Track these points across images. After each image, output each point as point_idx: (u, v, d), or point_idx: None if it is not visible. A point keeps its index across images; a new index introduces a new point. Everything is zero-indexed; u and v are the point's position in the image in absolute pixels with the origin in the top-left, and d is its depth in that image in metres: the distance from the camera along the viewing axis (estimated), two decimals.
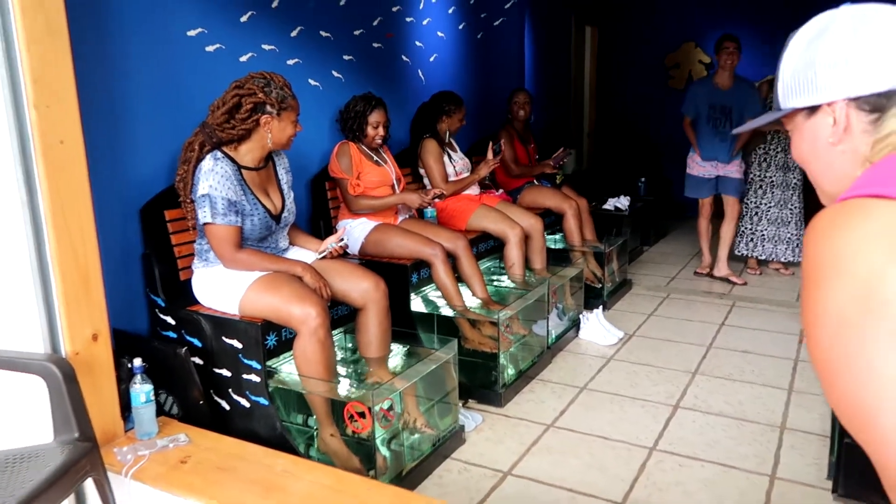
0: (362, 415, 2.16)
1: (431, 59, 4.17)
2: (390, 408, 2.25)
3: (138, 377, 2.09)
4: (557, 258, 4.13)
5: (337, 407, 2.28)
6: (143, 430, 2.12)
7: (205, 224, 2.24)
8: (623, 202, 5.44)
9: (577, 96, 7.14)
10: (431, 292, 3.28)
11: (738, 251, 4.96)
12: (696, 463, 2.45)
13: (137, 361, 2.09)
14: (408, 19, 3.90)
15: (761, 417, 2.78)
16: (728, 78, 4.50)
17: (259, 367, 2.26)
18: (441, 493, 2.30)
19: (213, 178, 2.20)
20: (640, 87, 7.56)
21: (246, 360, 2.28)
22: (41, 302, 1.92)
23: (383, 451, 2.32)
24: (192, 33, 2.59)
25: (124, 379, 2.18)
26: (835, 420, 2.60)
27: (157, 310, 2.46)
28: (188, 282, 2.48)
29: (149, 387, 2.11)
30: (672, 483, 2.33)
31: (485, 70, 4.77)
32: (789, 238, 4.83)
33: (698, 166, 4.70)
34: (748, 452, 2.51)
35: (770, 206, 4.80)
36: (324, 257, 2.51)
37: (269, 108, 2.25)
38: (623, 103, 7.62)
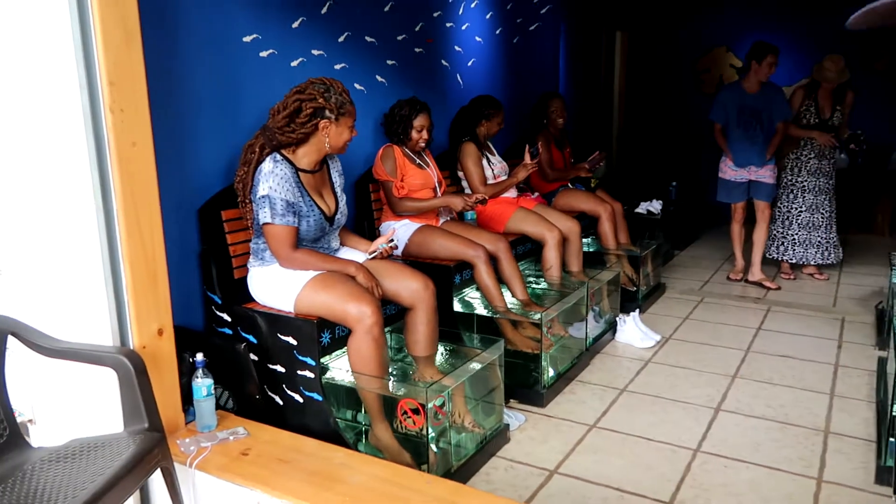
0: (416, 411, 2.21)
1: (469, 63, 4.23)
2: (442, 405, 2.29)
3: (200, 371, 2.16)
4: (591, 261, 4.16)
5: (388, 403, 2.34)
6: (204, 423, 2.19)
7: (264, 224, 2.31)
8: (655, 206, 5.45)
9: (606, 100, 7.16)
10: (469, 293, 3.32)
11: (770, 255, 4.94)
12: (741, 465, 2.47)
13: (199, 356, 2.16)
14: (448, 24, 3.96)
15: (804, 421, 2.79)
16: (756, 83, 4.50)
17: (314, 363, 2.32)
18: (489, 489, 2.34)
19: (272, 179, 2.27)
20: (671, 91, 7.56)
21: (301, 357, 2.34)
22: (112, 297, 2.00)
23: (432, 447, 2.37)
24: (247, 39, 2.67)
25: (185, 373, 2.25)
26: (881, 425, 2.61)
27: (213, 307, 2.54)
28: (242, 280, 2.55)
29: (209, 381, 2.18)
30: (718, 484, 2.35)
31: (520, 74, 4.82)
32: (819, 242, 4.81)
33: (731, 171, 4.71)
34: (793, 455, 2.53)
35: (801, 211, 4.78)
36: (374, 258, 2.57)
37: (328, 113, 2.32)
38: (653, 108, 7.62)
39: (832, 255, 4.85)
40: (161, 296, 2.09)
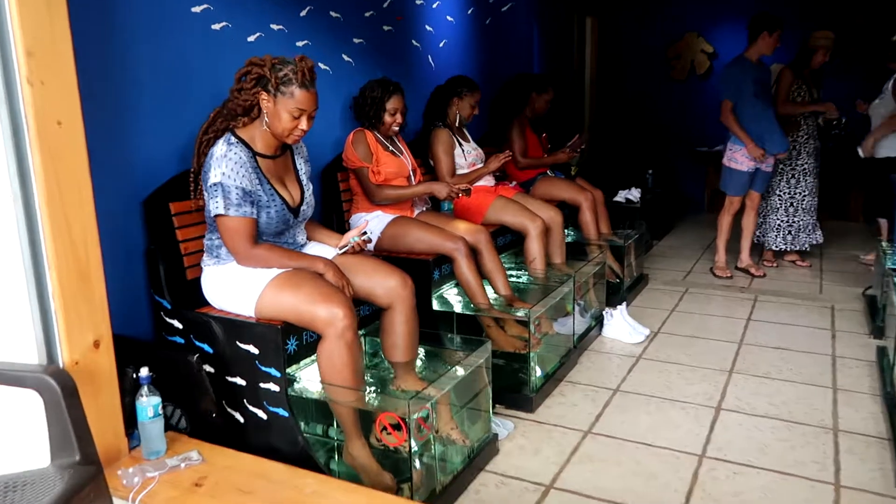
0: (397, 426, 1.95)
1: (441, 44, 3.96)
2: (426, 417, 2.04)
3: (145, 388, 1.87)
4: (572, 252, 3.93)
5: (364, 417, 2.07)
6: (151, 449, 1.90)
7: (216, 216, 2.02)
8: (634, 194, 5.27)
9: (578, 87, 6.97)
10: (447, 290, 3.06)
11: (777, 246, 4.68)
12: (751, 470, 2.27)
13: (144, 371, 1.87)
14: (418, 2, 3.69)
15: (810, 419, 2.61)
16: (757, 56, 4.22)
17: (279, 374, 2.04)
18: None
19: (225, 164, 1.98)
20: (642, 78, 7.39)
21: (263, 368, 2.06)
22: (35, 305, 1.69)
23: (415, 465, 2.11)
24: (196, 9, 2.36)
25: (128, 391, 1.95)
26: (893, 423, 2.44)
27: (161, 312, 2.23)
28: (196, 281, 2.25)
29: (157, 399, 1.89)
30: (730, 493, 2.14)
31: (493, 57, 4.57)
32: (814, 224, 4.66)
33: (747, 161, 4.25)
34: (804, 458, 2.34)
35: (805, 195, 4.57)
36: (345, 252, 2.30)
37: (269, 86, 2.03)
38: (624, 95, 7.45)
39: (818, 236, 4.72)
40: (97, 302, 1.79)
